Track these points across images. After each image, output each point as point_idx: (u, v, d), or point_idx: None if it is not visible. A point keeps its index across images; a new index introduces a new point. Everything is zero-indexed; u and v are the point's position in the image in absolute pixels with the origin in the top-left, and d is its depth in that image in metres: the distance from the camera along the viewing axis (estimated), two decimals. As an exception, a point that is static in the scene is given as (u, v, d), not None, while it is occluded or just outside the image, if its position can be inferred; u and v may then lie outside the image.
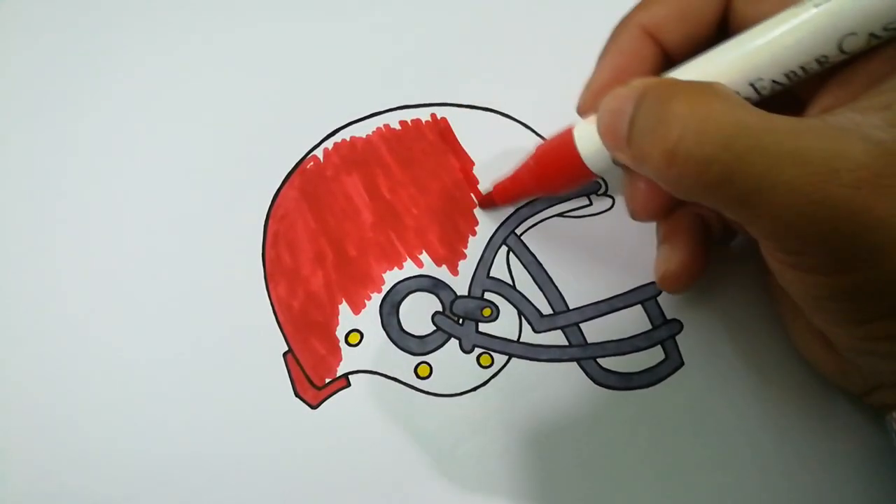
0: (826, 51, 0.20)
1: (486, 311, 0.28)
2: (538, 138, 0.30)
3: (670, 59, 0.24)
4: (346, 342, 0.28)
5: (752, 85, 0.21)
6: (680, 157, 0.19)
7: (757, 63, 0.21)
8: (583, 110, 0.25)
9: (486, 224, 0.29)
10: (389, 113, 0.31)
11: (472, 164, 0.30)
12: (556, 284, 0.29)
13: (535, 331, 0.28)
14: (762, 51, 0.21)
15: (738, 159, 0.18)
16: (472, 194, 0.30)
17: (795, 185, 0.17)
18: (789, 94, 0.22)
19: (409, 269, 0.29)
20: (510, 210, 0.29)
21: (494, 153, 0.30)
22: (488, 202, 0.29)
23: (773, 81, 0.21)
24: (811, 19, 0.20)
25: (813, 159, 0.17)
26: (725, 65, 0.21)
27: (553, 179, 0.26)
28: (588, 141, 0.24)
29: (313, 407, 0.27)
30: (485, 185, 0.30)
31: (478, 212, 0.29)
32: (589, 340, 0.28)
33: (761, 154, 0.18)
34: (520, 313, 0.28)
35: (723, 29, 0.24)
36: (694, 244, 0.25)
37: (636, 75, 0.22)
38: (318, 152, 0.30)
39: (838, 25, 0.20)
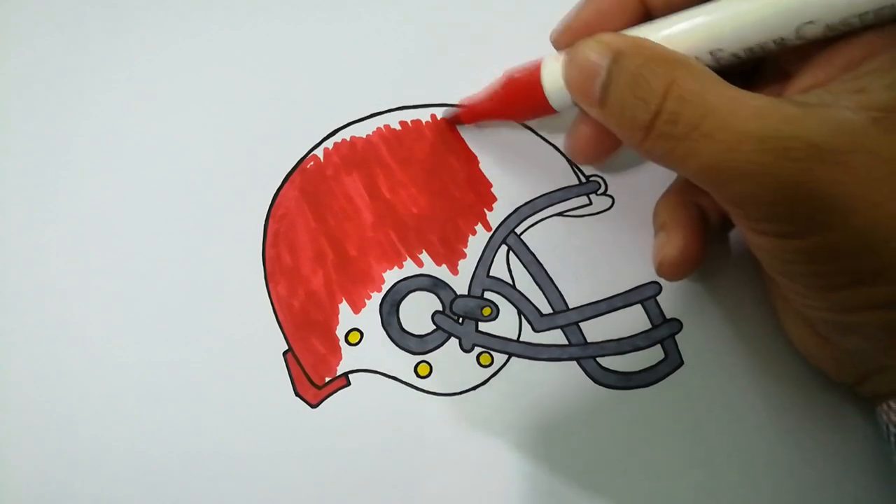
0: (784, 34, 0.22)
1: (486, 311, 0.28)
2: (538, 138, 0.31)
3: (650, 11, 0.25)
4: (346, 341, 0.28)
5: (712, 53, 0.22)
6: (654, 133, 0.21)
7: (720, 34, 0.22)
8: (557, 44, 0.26)
9: (486, 223, 0.29)
10: (389, 113, 0.31)
11: (477, 160, 0.30)
12: (556, 284, 0.29)
13: (534, 330, 0.28)
14: (726, 23, 0.22)
15: (705, 137, 0.20)
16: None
17: (752, 158, 0.20)
18: (779, 68, 0.25)
19: (409, 268, 0.29)
20: (520, 202, 0.29)
21: (494, 153, 0.30)
22: (454, 119, 0.30)
23: (733, 54, 0.22)
24: (775, 2, 0.21)
25: (770, 138, 0.20)
26: (692, 29, 0.23)
27: (516, 108, 0.28)
28: (554, 79, 0.25)
29: (313, 406, 0.27)
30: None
31: (477, 212, 0.29)
32: (589, 340, 0.28)
33: (726, 133, 0.20)
34: (519, 312, 0.28)
35: None
36: (691, 232, 0.26)
37: (616, 19, 0.24)
38: (319, 152, 0.30)
39: (799, 12, 0.21)
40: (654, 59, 0.21)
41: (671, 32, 0.23)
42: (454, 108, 0.30)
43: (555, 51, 0.26)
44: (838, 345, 0.24)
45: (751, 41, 0.22)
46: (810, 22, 0.21)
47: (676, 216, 0.26)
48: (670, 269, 0.26)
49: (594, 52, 0.22)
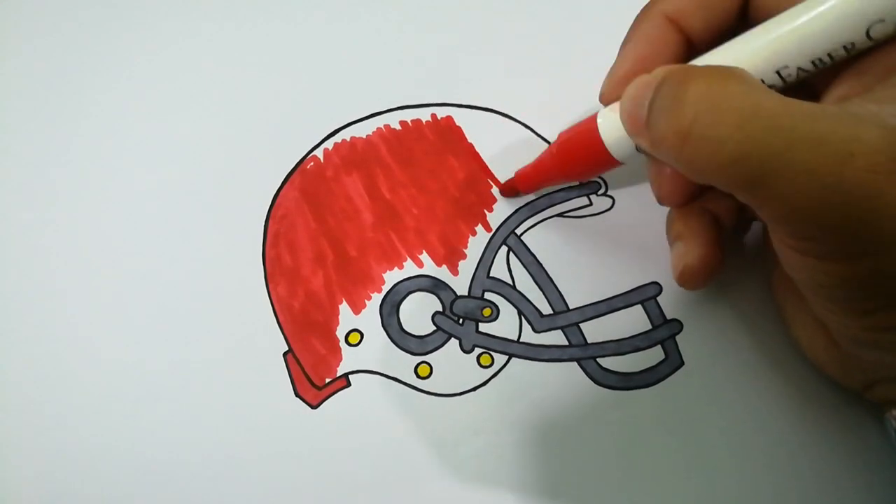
0: (853, 38, 0.20)
1: (487, 311, 0.28)
2: (538, 138, 0.30)
3: (694, 47, 0.24)
4: (347, 342, 0.28)
5: (777, 73, 0.21)
6: (694, 136, 0.19)
7: (783, 50, 0.21)
8: (605, 98, 0.26)
9: (486, 224, 0.29)
10: (389, 113, 0.31)
11: (478, 161, 0.30)
12: (556, 284, 0.29)
13: (535, 331, 0.28)
14: (789, 38, 0.21)
15: (752, 139, 0.18)
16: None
17: (810, 166, 0.17)
18: (803, 84, 0.23)
19: (409, 269, 0.29)
20: (520, 202, 0.29)
21: (494, 153, 0.30)
22: (510, 189, 0.29)
23: (800, 69, 0.21)
24: (839, 5, 0.20)
25: (829, 142, 0.17)
26: (751, 52, 0.21)
27: (576, 166, 0.27)
28: (611, 127, 0.24)
29: (313, 407, 0.27)
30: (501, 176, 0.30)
31: (477, 212, 0.29)
32: (589, 340, 0.28)
33: (776, 135, 0.18)
34: (520, 313, 0.28)
35: (744, 17, 0.24)
36: (709, 240, 0.25)
37: (658, 63, 0.22)
38: (319, 152, 0.30)
39: (867, 12, 0.19)
40: (697, 70, 0.20)
41: (732, 58, 0.21)
42: (509, 180, 0.29)
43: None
44: (853, 353, 0.23)
45: (819, 51, 0.20)
46: (881, 20, 0.19)
47: (692, 225, 0.25)
48: (693, 280, 0.25)
49: (644, 82, 0.21)
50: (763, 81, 0.21)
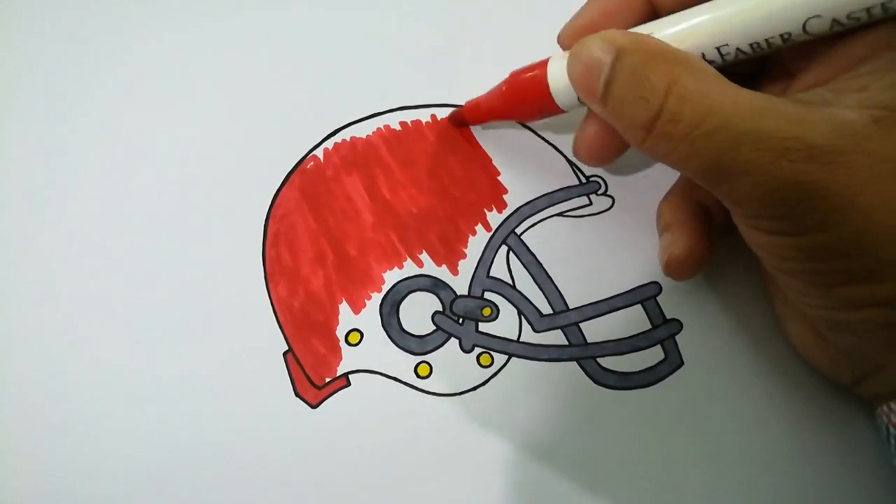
0: (790, 28, 0.21)
1: (486, 311, 0.28)
2: (538, 139, 0.31)
3: (656, 11, 0.25)
4: (347, 342, 0.28)
5: (717, 49, 0.22)
6: (655, 132, 0.21)
7: (725, 30, 0.22)
8: (563, 43, 0.27)
9: (486, 224, 0.29)
10: (389, 113, 0.31)
11: (479, 161, 0.30)
12: (556, 284, 0.29)
13: (534, 330, 0.28)
14: (732, 18, 0.22)
15: (705, 137, 0.20)
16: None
17: (751, 157, 0.20)
18: (782, 67, 0.25)
19: (409, 268, 0.29)
20: (521, 202, 0.29)
21: (494, 153, 0.30)
22: (458, 119, 0.30)
23: (738, 50, 0.22)
24: None
25: (770, 138, 0.20)
26: (697, 26, 0.23)
27: (522, 107, 0.27)
28: (560, 77, 0.25)
29: (313, 406, 0.27)
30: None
31: (477, 212, 0.29)
32: (589, 340, 0.28)
33: (725, 132, 0.20)
34: (520, 313, 0.28)
35: None
36: (697, 231, 0.26)
37: (622, 18, 0.24)
38: (319, 152, 0.30)
39: (805, 6, 0.21)
40: (656, 57, 0.21)
41: (677, 30, 0.23)
42: (458, 108, 0.30)
43: (561, 51, 0.26)
44: (836, 344, 0.24)
45: (757, 36, 0.22)
46: (817, 16, 0.21)
47: (680, 216, 0.26)
48: (678, 269, 0.26)
49: (597, 48, 0.22)
50: (704, 56, 0.23)
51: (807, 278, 0.22)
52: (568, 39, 0.26)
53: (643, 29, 0.24)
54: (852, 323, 0.22)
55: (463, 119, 0.30)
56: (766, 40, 0.22)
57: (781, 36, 0.22)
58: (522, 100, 0.27)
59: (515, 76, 0.27)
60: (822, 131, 0.20)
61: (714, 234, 0.26)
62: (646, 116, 0.21)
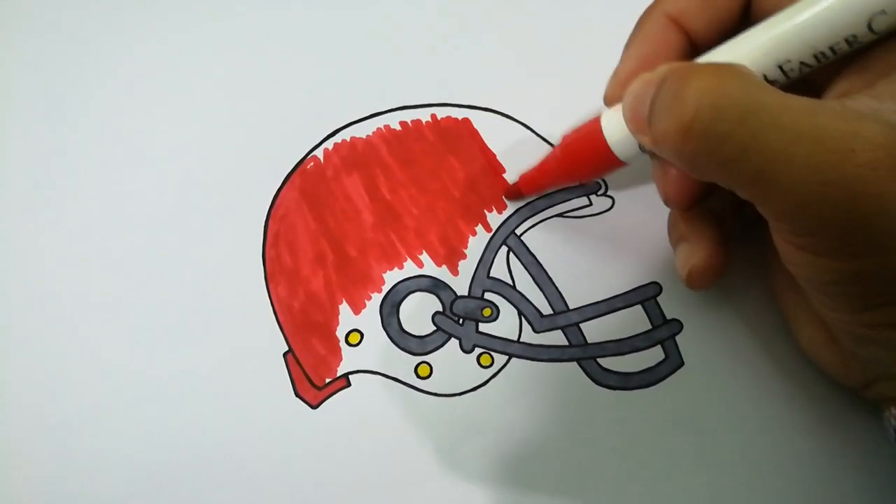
0: (855, 30, 0.20)
1: (487, 311, 0.28)
2: (538, 138, 0.30)
3: (696, 47, 0.24)
4: (347, 342, 0.28)
5: (780, 67, 0.21)
6: (695, 132, 0.19)
7: (785, 45, 0.21)
8: (609, 99, 0.26)
9: (486, 224, 0.29)
10: (389, 113, 0.31)
11: (478, 161, 0.30)
12: (556, 284, 0.29)
13: (535, 331, 0.28)
14: (791, 32, 0.21)
15: (753, 136, 0.18)
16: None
17: (811, 162, 0.17)
18: (804, 81, 0.23)
19: (409, 269, 0.29)
20: (520, 203, 0.29)
21: (494, 152, 0.30)
22: (515, 192, 0.29)
23: (802, 63, 0.21)
24: None
25: (830, 137, 0.17)
26: (753, 48, 0.21)
27: (580, 167, 0.27)
28: (615, 128, 0.24)
29: (313, 407, 0.27)
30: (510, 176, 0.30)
31: (477, 212, 0.29)
32: (589, 340, 0.28)
33: (778, 130, 0.18)
34: (520, 313, 0.28)
35: (746, 16, 0.24)
36: (714, 239, 0.25)
37: (662, 63, 0.22)
38: (319, 153, 0.30)
39: (868, 3, 0.19)
40: (701, 67, 0.20)
41: (735, 57, 0.21)
42: (514, 184, 0.29)
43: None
44: (852, 351, 0.23)
45: (820, 45, 0.20)
46: (882, 12, 0.19)
47: (696, 225, 0.25)
48: (700, 280, 0.25)
49: (646, 80, 0.21)
50: (765, 76, 0.21)
51: (845, 299, 0.21)
52: (613, 94, 0.25)
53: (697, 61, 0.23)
54: (884, 339, 0.21)
55: (520, 193, 0.29)
56: (831, 47, 0.20)
57: (847, 40, 0.20)
58: (580, 160, 0.26)
59: (569, 139, 0.26)
60: (884, 132, 0.17)
61: (728, 240, 0.26)
62: (684, 117, 0.19)
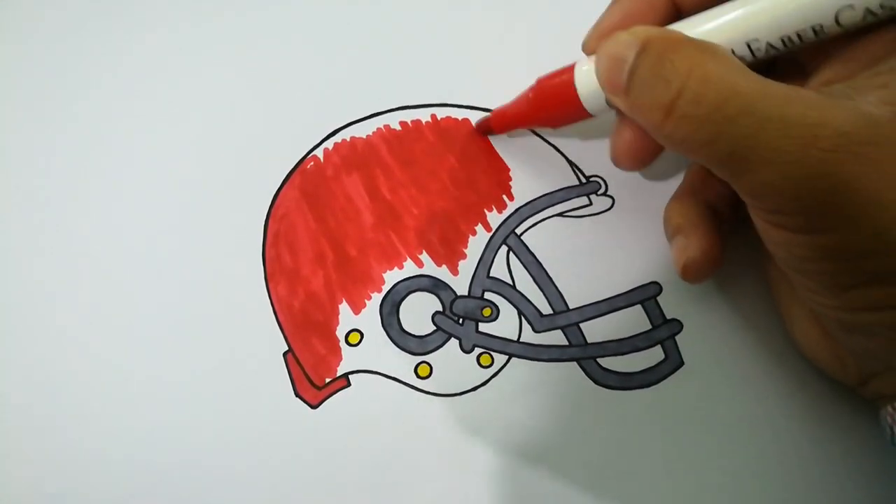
0: (822, 20, 0.21)
1: (486, 311, 0.28)
2: (538, 139, 0.30)
3: (679, 9, 0.25)
4: (347, 342, 0.28)
5: (748, 45, 0.22)
6: (676, 114, 0.20)
7: (756, 24, 0.22)
8: (587, 49, 0.26)
9: (486, 224, 0.29)
10: (389, 113, 0.31)
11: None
12: (556, 284, 0.29)
13: (535, 331, 0.28)
14: (762, 13, 0.22)
15: (728, 120, 0.19)
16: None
17: (777, 145, 0.19)
18: (797, 65, 0.24)
19: (409, 268, 0.29)
20: (520, 203, 0.29)
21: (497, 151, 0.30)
22: (485, 127, 0.30)
23: (769, 44, 0.22)
24: None
25: (797, 124, 0.19)
26: (726, 22, 0.22)
27: (549, 113, 0.27)
28: (587, 81, 0.25)
29: (313, 407, 0.27)
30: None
31: (477, 212, 0.29)
32: (589, 340, 0.28)
33: (749, 117, 0.19)
34: (520, 313, 0.28)
35: None
36: (709, 232, 0.25)
37: (645, 21, 0.23)
38: (319, 152, 0.30)
39: None
40: (681, 43, 0.21)
41: (707, 27, 0.22)
42: (485, 115, 0.30)
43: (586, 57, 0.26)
44: (845, 344, 0.24)
45: (788, 29, 0.21)
46: (849, 6, 0.20)
47: (691, 218, 0.26)
48: (695, 273, 0.25)
49: (623, 42, 0.21)
50: (734, 52, 0.22)
51: (823, 279, 0.21)
52: (592, 44, 0.26)
53: (671, 28, 0.23)
54: (866, 324, 0.21)
55: (489, 127, 0.30)
56: (798, 34, 0.21)
57: (813, 28, 0.21)
58: (550, 105, 0.27)
59: (542, 82, 0.27)
60: (851, 121, 0.19)
61: (724, 233, 0.26)
62: (666, 97, 0.20)
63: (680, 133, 0.21)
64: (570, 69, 0.25)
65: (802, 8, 0.21)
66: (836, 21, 0.21)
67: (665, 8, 0.25)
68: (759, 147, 0.19)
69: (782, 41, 0.22)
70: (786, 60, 0.25)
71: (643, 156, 0.26)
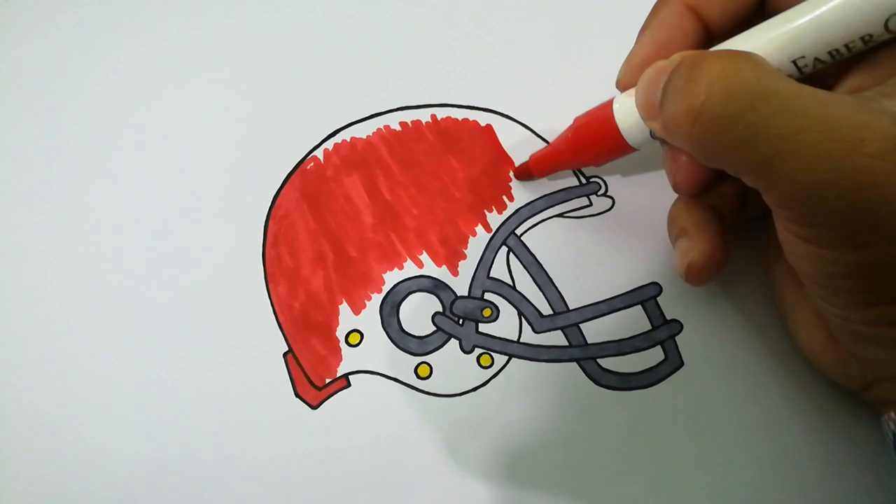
0: (871, 29, 0.20)
1: (487, 312, 0.28)
2: (538, 139, 0.30)
3: (711, 36, 0.24)
4: (347, 342, 0.28)
5: (794, 62, 0.21)
6: (705, 115, 0.19)
7: (801, 40, 0.21)
8: (621, 84, 0.26)
9: (486, 224, 0.29)
10: (389, 114, 0.31)
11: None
12: (556, 285, 0.29)
13: (535, 331, 0.28)
14: (807, 27, 0.21)
15: (763, 121, 0.18)
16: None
17: (819, 149, 0.17)
18: (816, 76, 0.23)
19: (409, 269, 0.29)
20: (520, 203, 0.29)
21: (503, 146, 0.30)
22: (525, 172, 0.29)
23: (817, 59, 0.21)
24: None
25: (840, 127, 0.17)
26: (768, 41, 0.21)
27: (590, 151, 0.27)
28: (627, 113, 0.24)
29: (313, 407, 0.27)
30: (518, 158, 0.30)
31: (477, 213, 0.29)
32: (589, 341, 0.28)
33: (788, 117, 0.18)
34: (520, 314, 0.28)
35: (762, 7, 0.24)
36: (714, 234, 0.25)
37: (676, 50, 0.22)
38: (319, 153, 0.30)
39: (885, 3, 0.19)
40: (715, 53, 0.20)
41: (749, 46, 0.21)
42: (523, 163, 0.29)
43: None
44: (852, 351, 0.23)
45: (836, 42, 0.20)
46: None
47: (696, 220, 0.25)
48: (698, 275, 0.25)
49: (660, 67, 0.21)
50: (780, 70, 0.21)
51: (847, 295, 0.20)
52: (627, 79, 0.25)
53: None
54: (881, 337, 0.21)
55: (529, 172, 0.29)
56: (847, 45, 0.20)
57: (863, 38, 0.20)
58: (591, 143, 0.26)
59: (580, 121, 0.26)
60: (894, 123, 0.17)
61: (728, 236, 0.26)
62: (696, 99, 0.19)
63: (711, 137, 0.19)
64: (607, 104, 0.25)
65: (849, 19, 0.20)
66: (886, 27, 0.20)
67: (696, 33, 0.24)
68: (799, 150, 0.18)
69: (830, 54, 0.21)
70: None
71: (702, 178, 0.25)
